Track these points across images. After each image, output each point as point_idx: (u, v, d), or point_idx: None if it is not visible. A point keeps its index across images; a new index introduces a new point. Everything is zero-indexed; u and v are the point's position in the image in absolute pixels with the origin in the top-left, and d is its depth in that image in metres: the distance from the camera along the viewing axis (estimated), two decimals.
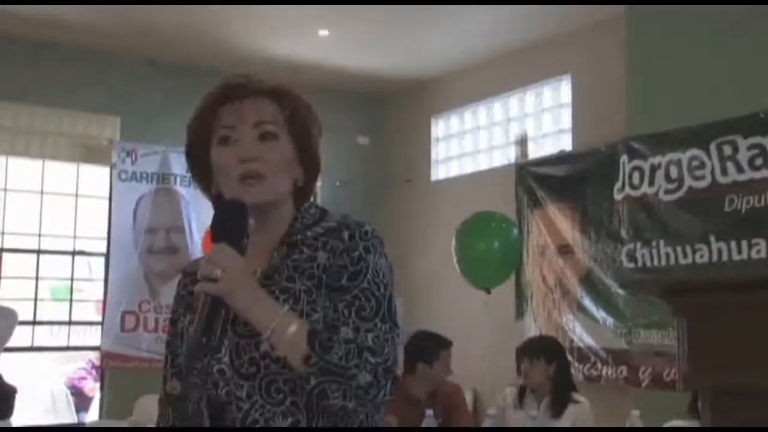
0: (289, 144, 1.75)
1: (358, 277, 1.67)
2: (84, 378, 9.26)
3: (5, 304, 6.19)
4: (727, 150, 5.90)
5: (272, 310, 1.60)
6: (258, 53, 8.15)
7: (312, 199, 1.87)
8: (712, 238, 5.88)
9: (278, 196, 1.74)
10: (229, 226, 1.66)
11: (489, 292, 7.35)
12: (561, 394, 4.78)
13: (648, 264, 6.37)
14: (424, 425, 4.51)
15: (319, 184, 7.85)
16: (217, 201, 1.75)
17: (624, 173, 6.61)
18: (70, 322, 8.32)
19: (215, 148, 1.73)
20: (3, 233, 7.95)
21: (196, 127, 1.77)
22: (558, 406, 4.76)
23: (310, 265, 1.69)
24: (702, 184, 6.04)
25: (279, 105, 1.76)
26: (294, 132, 1.76)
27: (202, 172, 1.78)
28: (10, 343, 6.05)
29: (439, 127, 9.25)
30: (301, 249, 1.72)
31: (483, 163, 8.70)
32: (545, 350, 4.88)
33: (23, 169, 8.20)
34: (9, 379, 4.86)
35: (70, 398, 9.02)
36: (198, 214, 8.15)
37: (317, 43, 7.81)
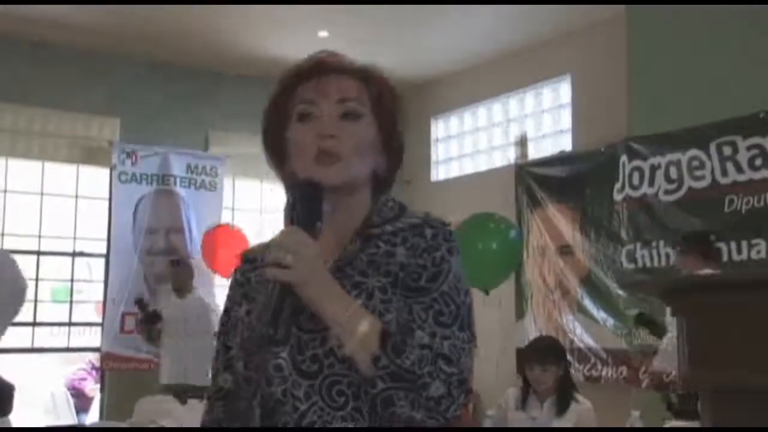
0: (372, 127, 1.62)
1: (438, 279, 1.54)
2: (84, 379, 9.25)
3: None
4: (727, 150, 5.91)
5: (345, 304, 1.48)
6: (258, 54, 8.15)
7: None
8: (712, 239, 5.88)
9: (355, 181, 1.60)
10: (302, 208, 1.52)
11: (487, 293, 7.34)
12: (565, 394, 4.78)
13: (648, 264, 6.39)
14: None
15: None
16: (290, 182, 1.62)
17: (624, 174, 6.62)
18: (70, 323, 8.33)
19: (293, 125, 1.61)
20: (3, 234, 7.95)
21: (275, 104, 1.66)
22: (561, 406, 4.76)
23: (387, 261, 1.56)
24: (702, 184, 6.05)
25: (365, 84, 1.63)
26: (379, 115, 1.63)
27: (276, 153, 1.66)
28: (10, 344, 6.03)
29: (439, 128, 9.25)
30: (377, 243, 1.58)
31: (483, 164, 8.70)
32: (555, 354, 4.88)
33: (23, 171, 8.20)
34: (8, 379, 4.85)
35: (71, 399, 9.01)
36: (197, 215, 8.20)
37: (317, 44, 7.76)
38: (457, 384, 1.46)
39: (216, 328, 1.85)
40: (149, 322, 6.97)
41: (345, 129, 1.57)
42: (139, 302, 7.11)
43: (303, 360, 1.51)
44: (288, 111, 1.62)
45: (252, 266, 1.68)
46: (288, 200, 1.57)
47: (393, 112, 1.66)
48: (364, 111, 1.61)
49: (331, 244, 1.59)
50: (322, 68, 1.63)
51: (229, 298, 1.71)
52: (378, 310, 1.50)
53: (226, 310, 1.70)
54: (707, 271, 5.55)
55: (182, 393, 6.54)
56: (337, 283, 1.50)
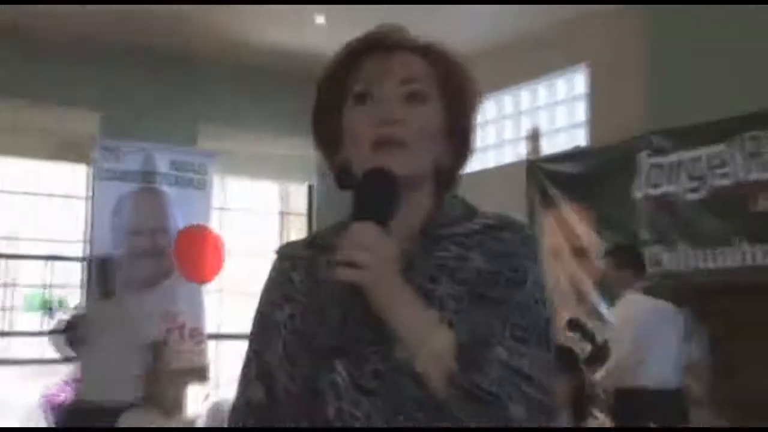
0: (439, 112, 1.54)
1: (516, 288, 1.47)
2: (61, 394, 9.20)
3: None
4: (752, 146, 5.90)
5: (419, 312, 1.41)
6: (252, 41, 8.16)
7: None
8: (737, 241, 5.87)
9: (421, 172, 1.53)
10: (376, 200, 1.44)
11: None
12: (580, 409, 4.77)
13: (669, 268, 6.37)
14: None
15: (315, 183, 7.72)
16: (341, 172, 1.56)
17: (643, 170, 6.63)
18: (45, 332, 8.21)
19: (349, 107, 1.53)
20: None
21: (328, 83, 1.57)
22: (576, 422, 4.75)
23: (461, 266, 1.48)
24: (726, 182, 6.05)
25: (431, 64, 1.55)
26: (447, 98, 1.55)
27: (327, 138, 1.58)
28: None
29: None
30: (448, 246, 1.51)
31: (492, 160, 8.68)
32: (567, 363, 4.86)
33: None
34: None
35: (49, 415, 8.96)
36: (184, 215, 8.17)
37: (313, 31, 7.81)
38: (539, 407, 1.40)
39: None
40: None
41: (410, 113, 1.50)
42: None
43: (362, 375, 1.43)
44: (344, 90, 1.55)
45: (291, 264, 1.61)
46: (357, 190, 1.49)
47: (463, 96, 1.57)
48: (431, 93, 1.54)
49: None
50: (383, 43, 1.55)
51: (266, 299, 1.63)
52: (450, 322, 1.43)
53: (261, 313, 1.62)
54: (640, 284, 5.70)
55: None
56: (410, 288, 1.42)
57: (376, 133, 1.49)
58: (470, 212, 1.56)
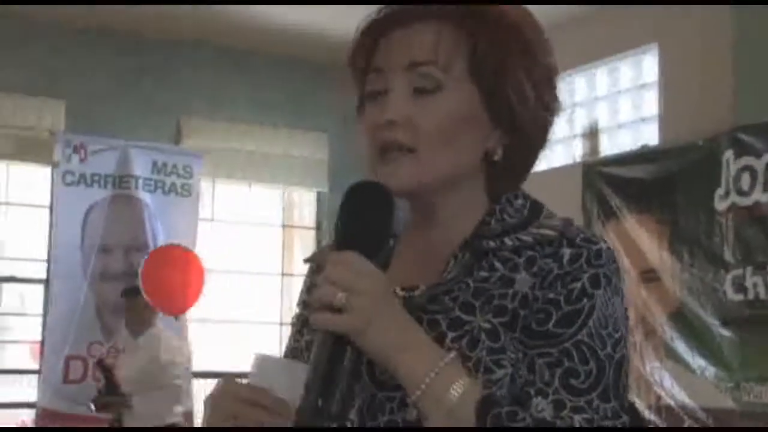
0: (467, 95, 1.50)
1: (574, 323, 1.41)
2: None
3: None
4: None
5: (427, 358, 1.36)
6: (244, 19, 8.15)
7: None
8: None
9: (444, 178, 1.51)
10: (359, 224, 1.42)
11: None
12: None
13: (762, 295, 6.33)
14: None
15: (325, 189, 7.65)
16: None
17: (729, 175, 6.57)
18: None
19: (366, 105, 1.55)
20: None
21: (352, 74, 1.59)
22: None
23: (504, 291, 1.45)
24: None
25: (467, 34, 1.50)
26: (480, 74, 1.50)
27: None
28: None
29: None
30: (492, 263, 1.48)
31: (541, 163, 8.49)
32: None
33: None
34: None
35: None
36: (166, 227, 8.18)
37: (325, 11, 7.79)
38: None
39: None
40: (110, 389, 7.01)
41: (417, 108, 1.48)
42: (101, 363, 7.21)
43: (377, 425, 1.44)
44: (361, 85, 1.56)
45: (314, 269, 1.66)
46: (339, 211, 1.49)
47: (505, 70, 1.50)
48: (446, 77, 1.49)
49: (425, 265, 1.52)
50: (400, 18, 1.52)
51: (297, 315, 1.68)
52: (484, 364, 1.40)
53: (298, 332, 1.66)
54: None
55: None
56: (417, 326, 1.40)
57: (379, 138, 1.50)
58: (532, 216, 1.53)
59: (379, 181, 1.45)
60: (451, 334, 1.42)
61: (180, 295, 7.95)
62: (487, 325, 1.42)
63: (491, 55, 1.50)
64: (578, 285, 1.43)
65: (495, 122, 1.52)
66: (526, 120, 1.54)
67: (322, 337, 1.37)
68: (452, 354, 1.38)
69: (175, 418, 6.95)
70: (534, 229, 1.50)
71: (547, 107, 1.57)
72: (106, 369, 7.06)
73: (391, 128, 1.48)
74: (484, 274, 1.47)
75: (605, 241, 1.50)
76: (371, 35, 1.54)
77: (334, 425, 1.40)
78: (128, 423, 6.89)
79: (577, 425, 1.35)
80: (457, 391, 1.34)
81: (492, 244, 1.49)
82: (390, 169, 1.48)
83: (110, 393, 6.96)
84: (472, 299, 1.45)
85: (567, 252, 1.45)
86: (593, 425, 1.36)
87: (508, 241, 1.49)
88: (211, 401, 1.43)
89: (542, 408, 1.36)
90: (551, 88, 1.56)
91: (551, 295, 1.43)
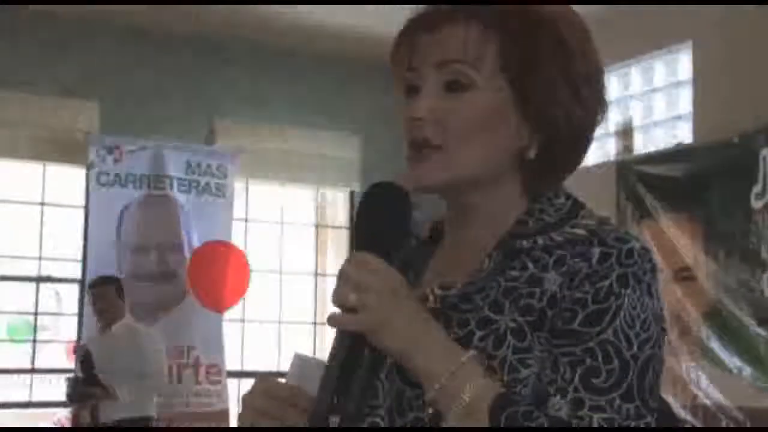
0: (496, 93, 1.50)
1: (600, 322, 1.39)
2: None
3: None
4: None
5: (443, 357, 1.37)
6: (279, 17, 8.12)
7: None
8: None
9: (471, 176, 1.51)
10: (375, 225, 1.45)
11: None
12: None
13: None
14: None
15: (358, 189, 7.66)
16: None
17: (766, 173, 6.57)
18: (32, 370, 8.34)
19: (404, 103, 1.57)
20: None
21: (393, 73, 1.59)
22: None
23: (532, 290, 1.44)
24: None
25: (499, 33, 1.50)
26: (514, 73, 1.50)
27: None
28: None
29: None
30: (524, 262, 1.47)
31: None
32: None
33: None
34: None
35: None
36: (201, 228, 8.19)
37: (360, 11, 7.77)
38: None
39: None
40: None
41: (447, 105, 1.49)
42: (83, 349, 7.22)
43: (405, 423, 1.45)
44: (400, 85, 1.58)
45: None
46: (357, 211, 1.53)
47: (536, 67, 1.50)
48: (477, 74, 1.49)
49: (461, 262, 1.52)
50: (425, 19, 1.54)
51: None
52: (509, 363, 1.41)
53: None
54: None
55: None
56: (434, 325, 1.41)
57: (409, 134, 1.51)
58: (568, 217, 1.52)
59: (407, 178, 1.48)
60: (479, 333, 1.43)
61: (227, 291, 8.05)
62: (513, 324, 1.42)
63: (520, 52, 1.50)
64: (606, 284, 1.41)
65: (526, 120, 1.51)
66: (559, 118, 1.53)
67: (339, 337, 1.38)
68: (470, 353, 1.38)
69: (153, 410, 7.02)
70: (569, 228, 1.49)
71: (585, 106, 1.55)
72: (87, 356, 7.02)
73: (420, 125, 1.49)
74: (515, 273, 1.47)
75: (639, 240, 1.48)
76: (408, 34, 1.54)
77: (349, 424, 1.43)
78: (107, 413, 6.85)
79: (596, 425, 1.34)
80: (473, 390, 1.34)
81: (525, 243, 1.49)
82: (418, 166, 1.49)
83: (89, 383, 6.92)
84: (502, 298, 1.45)
85: (597, 251, 1.44)
86: (613, 425, 1.35)
87: (540, 241, 1.49)
88: (246, 398, 1.45)
89: (559, 407, 1.36)
90: (591, 86, 1.56)
91: (578, 295, 1.42)
